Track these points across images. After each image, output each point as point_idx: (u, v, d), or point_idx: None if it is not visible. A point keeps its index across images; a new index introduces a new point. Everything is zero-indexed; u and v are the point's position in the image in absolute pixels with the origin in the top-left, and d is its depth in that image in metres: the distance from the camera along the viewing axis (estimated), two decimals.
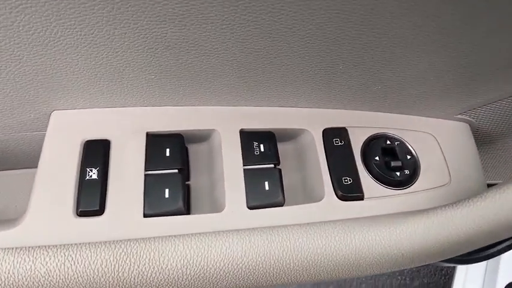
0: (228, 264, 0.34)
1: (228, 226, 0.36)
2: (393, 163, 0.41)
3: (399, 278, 1.55)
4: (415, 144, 0.44)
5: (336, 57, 0.36)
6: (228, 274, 0.34)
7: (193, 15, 0.30)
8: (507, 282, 1.10)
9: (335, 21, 0.31)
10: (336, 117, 0.43)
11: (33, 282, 0.32)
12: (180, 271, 0.33)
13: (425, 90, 0.41)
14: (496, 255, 0.85)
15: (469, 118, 0.47)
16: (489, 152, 0.55)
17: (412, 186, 0.41)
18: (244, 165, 0.39)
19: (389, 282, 1.57)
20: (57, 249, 0.33)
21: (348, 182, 0.40)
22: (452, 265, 1.03)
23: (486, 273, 1.15)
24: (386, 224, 0.37)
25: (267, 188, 0.38)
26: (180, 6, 0.29)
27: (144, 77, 0.36)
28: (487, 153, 0.56)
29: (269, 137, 0.41)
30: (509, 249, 0.86)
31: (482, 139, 0.51)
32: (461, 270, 1.21)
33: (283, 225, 0.36)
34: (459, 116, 0.46)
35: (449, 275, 1.45)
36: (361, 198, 0.39)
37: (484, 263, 1.19)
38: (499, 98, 0.44)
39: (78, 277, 0.32)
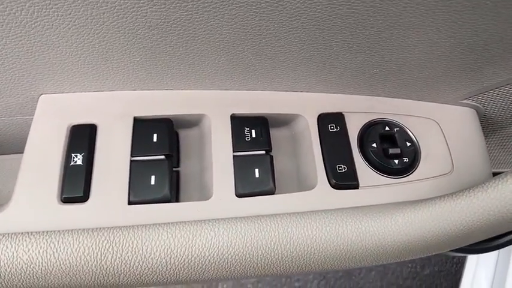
0: (214, 254, 0.33)
1: (215, 214, 0.35)
2: (391, 150, 0.39)
3: (410, 266, 1.53)
4: (416, 130, 0.41)
5: (329, 37, 0.33)
6: (213, 264, 0.33)
7: None
8: None
9: None
10: (332, 102, 0.41)
11: (15, 269, 0.31)
12: (164, 260, 0.32)
13: (427, 74, 0.39)
14: (507, 245, 0.82)
15: (475, 103, 0.44)
16: (497, 139, 0.53)
17: (411, 175, 0.39)
18: (234, 152, 0.37)
19: (399, 269, 1.55)
20: (39, 236, 0.32)
21: (342, 169, 0.38)
22: (462, 255, 1.01)
23: (498, 262, 1.13)
24: (381, 215, 0.35)
25: (257, 175, 0.37)
26: None
27: (128, 59, 0.35)
28: (494, 140, 0.53)
29: (261, 123, 0.39)
30: None
31: (490, 125, 0.49)
32: (472, 259, 1.19)
33: (272, 214, 0.35)
34: (465, 101, 0.44)
35: (461, 263, 1.42)
36: (356, 186, 0.38)
37: (495, 252, 1.16)
38: (508, 82, 0.41)
39: (60, 264, 0.32)
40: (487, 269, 1.16)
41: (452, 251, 0.90)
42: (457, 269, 1.44)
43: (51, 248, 0.32)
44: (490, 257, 1.15)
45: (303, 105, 0.41)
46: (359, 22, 0.32)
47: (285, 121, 0.41)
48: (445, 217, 0.34)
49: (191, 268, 0.33)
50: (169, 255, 0.32)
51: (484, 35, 0.34)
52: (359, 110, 0.41)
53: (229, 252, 0.33)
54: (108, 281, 0.33)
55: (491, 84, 0.41)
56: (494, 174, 0.40)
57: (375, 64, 0.37)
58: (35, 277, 0.32)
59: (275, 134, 0.41)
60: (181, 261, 0.33)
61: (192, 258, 0.33)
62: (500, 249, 1.16)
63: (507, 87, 0.42)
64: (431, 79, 0.40)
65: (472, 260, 1.19)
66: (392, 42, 0.35)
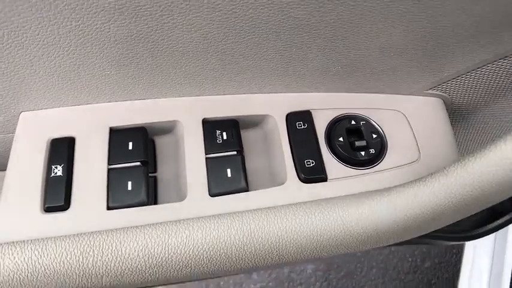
0: (189, 252, 0.35)
1: (190, 214, 0.37)
2: (357, 143, 0.41)
3: (410, 259, 1.54)
4: (382, 122, 0.43)
5: (286, 39, 0.35)
6: (189, 262, 0.35)
7: (130, 7, 0.31)
8: None
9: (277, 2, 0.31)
10: (300, 101, 0.43)
11: (2, 277, 0.33)
12: (142, 260, 0.34)
13: (388, 67, 0.41)
14: (498, 229, 0.83)
15: (441, 93, 0.46)
16: (464, 127, 0.54)
17: (378, 165, 0.41)
18: (206, 154, 0.39)
19: (400, 264, 1.56)
20: (24, 244, 0.34)
21: (310, 164, 0.40)
22: (455, 243, 1.02)
23: (495, 249, 1.14)
24: (348, 204, 0.37)
25: (229, 175, 0.39)
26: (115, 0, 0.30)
27: (100, 73, 0.37)
28: (462, 129, 0.55)
29: (232, 125, 0.41)
30: None
31: (458, 114, 0.50)
32: (469, 247, 1.20)
33: (244, 210, 0.37)
34: (430, 91, 0.46)
35: (460, 253, 1.43)
36: (325, 179, 0.39)
37: (492, 238, 1.17)
38: (468, 69, 0.43)
39: (45, 270, 0.33)
40: (485, 255, 1.17)
41: (447, 239, 0.91)
42: (457, 259, 1.45)
43: (35, 254, 0.34)
44: (487, 243, 1.16)
45: (271, 105, 0.43)
46: (312, 23, 0.34)
47: (255, 122, 0.43)
48: (410, 203, 0.35)
49: (168, 267, 0.35)
50: (147, 256, 0.34)
51: (436, 26, 0.36)
52: (326, 107, 0.43)
53: (204, 249, 0.35)
54: (91, 282, 0.35)
55: (452, 73, 0.43)
56: None
57: (335, 62, 0.39)
58: (21, 283, 0.34)
59: (247, 135, 0.43)
60: (159, 260, 0.34)
61: (169, 257, 0.34)
62: (497, 235, 1.17)
63: (468, 74, 0.44)
64: (392, 72, 0.41)
65: (469, 248, 1.20)
66: (348, 39, 0.37)
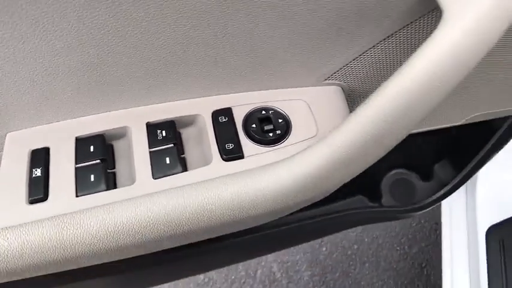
0: (139, 220, 0.46)
1: (139, 193, 0.48)
2: (266, 127, 0.53)
3: (398, 248, 1.62)
4: (288, 110, 0.55)
5: (199, 54, 0.48)
6: (140, 228, 0.46)
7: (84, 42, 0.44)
8: (488, 226, 1.15)
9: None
10: (223, 101, 0.55)
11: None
12: (104, 230, 0.46)
13: (283, 63, 0.53)
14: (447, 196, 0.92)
15: (337, 81, 0.58)
16: None
17: (284, 143, 0.53)
18: (149, 148, 0.51)
19: (390, 254, 1.64)
20: (14, 228, 0.46)
21: (230, 147, 0.51)
22: (409, 214, 1.10)
23: (468, 220, 1.21)
24: (258, 171, 0.48)
25: (167, 162, 0.50)
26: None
27: (64, 96, 0.50)
28: None
29: (169, 125, 0.53)
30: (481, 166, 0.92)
31: (357, 100, 0.62)
32: (445, 222, 1.27)
33: (180, 186, 0.48)
34: (328, 81, 0.57)
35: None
36: (242, 157, 0.51)
37: (463, 209, 1.24)
38: (353, 57, 0.55)
39: (31, 244, 0.45)
40: (459, 228, 1.24)
41: (393, 214, 0.98)
42: (440, 240, 1.53)
43: (23, 233, 0.45)
44: (460, 215, 1.24)
45: (201, 107, 0.55)
46: (201, 36, 0.46)
47: (190, 121, 0.55)
48: (303, 163, 0.46)
49: (124, 233, 0.46)
50: (107, 226, 0.45)
51: (313, 23, 0.48)
52: (243, 103, 0.55)
53: (150, 217, 0.46)
54: (67, 253, 0.46)
55: (339, 61, 0.55)
56: None
57: (243, 66, 0.52)
58: (13, 259, 0.45)
59: (186, 131, 0.55)
60: (116, 228, 0.46)
61: (123, 226, 0.46)
62: (468, 207, 1.25)
63: (355, 61, 0.55)
64: (289, 67, 0.54)
65: (446, 222, 1.28)
66: (247, 46, 0.49)
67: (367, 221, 1.02)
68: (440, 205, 1.32)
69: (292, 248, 1.71)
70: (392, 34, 0.53)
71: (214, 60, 0.51)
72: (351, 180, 0.66)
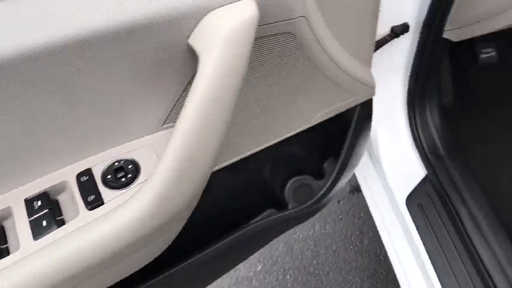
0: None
1: (23, 256, 0.60)
2: (119, 174, 0.66)
3: (351, 247, 1.73)
4: (137, 156, 0.69)
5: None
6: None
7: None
8: (404, 197, 1.29)
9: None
10: (86, 163, 0.69)
11: None
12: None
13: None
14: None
15: (174, 123, 0.72)
16: None
17: (135, 183, 0.66)
18: (29, 218, 0.64)
19: (347, 256, 1.74)
20: None
21: (91, 198, 0.64)
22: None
23: (389, 198, 1.34)
24: (107, 216, 0.61)
25: (44, 224, 0.63)
26: None
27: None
28: None
29: (43, 195, 0.66)
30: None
31: None
32: (372, 206, 1.40)
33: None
34: (166, 125, 0.72)
35: None
36: (102, 203, 0.64)
37: (382, 191, 1.38)
38: (175, 98, 0.69)
39: None
40: (381, 199, 1.38)
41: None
42: None
43: None
44: (377, 183, 1.38)
45: (68, 173, 0.68)
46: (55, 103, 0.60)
47: (61, 187, 0.68)
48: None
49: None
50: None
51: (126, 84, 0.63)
52: (102, 161, 0.69)
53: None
54: None
55: (163, 107, 0.69)
56: None
57: (88, 134, 0.66)
58: None
59: (61, 197, 0.68)
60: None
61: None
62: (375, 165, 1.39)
63: (179, 102, 0.70)
64: (128, 125, 0.68)
65: (372, 205, 1.41)
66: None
67: (282, 226, 1.14)
68: (363, 196, 1.46)
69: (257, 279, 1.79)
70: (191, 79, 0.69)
71: (67, 136, 0.65)
72: (260, 199, 0.82)
